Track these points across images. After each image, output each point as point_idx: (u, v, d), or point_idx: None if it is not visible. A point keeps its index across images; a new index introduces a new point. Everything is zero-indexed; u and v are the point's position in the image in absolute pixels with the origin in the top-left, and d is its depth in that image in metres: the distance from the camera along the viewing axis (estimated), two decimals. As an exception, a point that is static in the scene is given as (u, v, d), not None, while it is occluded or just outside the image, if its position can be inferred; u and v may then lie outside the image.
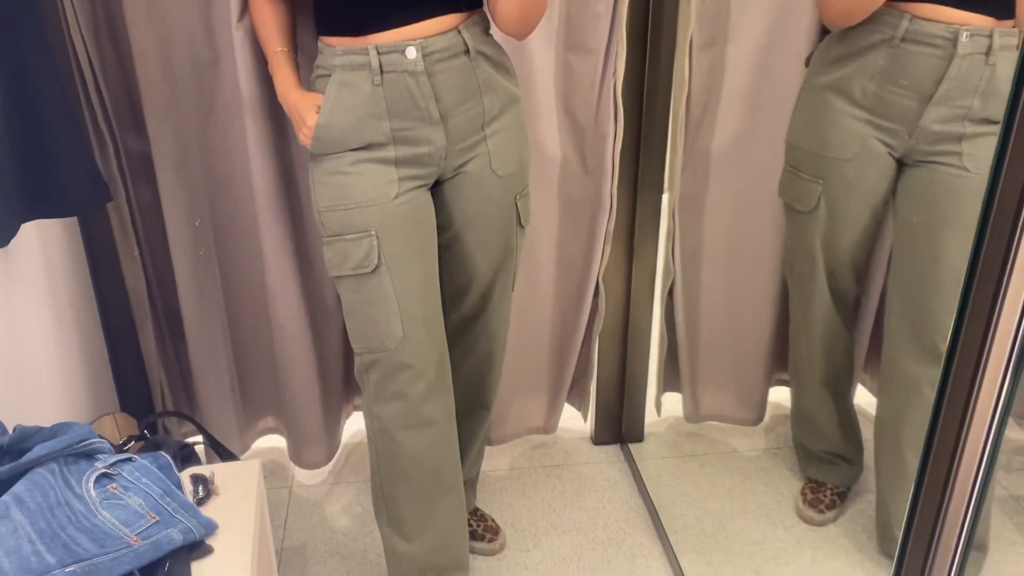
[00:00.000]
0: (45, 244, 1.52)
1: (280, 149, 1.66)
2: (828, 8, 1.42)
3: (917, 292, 1.49)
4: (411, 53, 1.29)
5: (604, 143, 1.76)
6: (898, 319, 1.53)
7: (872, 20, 1.39)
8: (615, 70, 1.69)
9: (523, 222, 1.50)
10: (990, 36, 1.34)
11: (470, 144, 1.38)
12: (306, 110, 1.35)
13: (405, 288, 1.36)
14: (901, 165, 1.49)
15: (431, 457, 1.45)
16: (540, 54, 1.68)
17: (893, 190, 1.52)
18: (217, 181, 1.72)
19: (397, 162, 1.35)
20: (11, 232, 1.33)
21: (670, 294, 1.94)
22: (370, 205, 1.34)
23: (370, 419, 1.44)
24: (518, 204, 1.47)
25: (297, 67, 1.44)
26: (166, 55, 1.60)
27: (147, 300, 1.78)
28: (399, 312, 1.35)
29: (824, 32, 1.59)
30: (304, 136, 1.36)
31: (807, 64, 1.57)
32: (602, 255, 1.87)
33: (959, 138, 1.39)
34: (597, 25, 1.66)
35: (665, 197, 1.87)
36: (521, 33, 1.38)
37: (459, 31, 1.32)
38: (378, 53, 1.29)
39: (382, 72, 1.30)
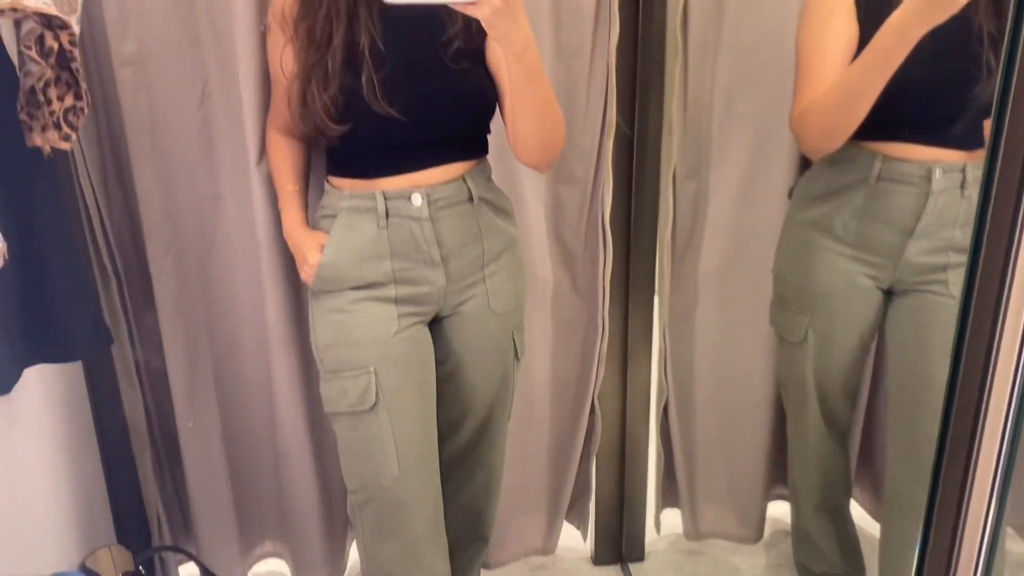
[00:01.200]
0: (46, 384, 1.54)
1: (288, 281, 1.70)
2: (805, 138, 1.46)
3: (914, 418, 1.50)
4: (416, 200, 1.34)
5: (594, 268, 1.80)
6: (898, 445, 1.54)
7: (847, 159, 1.45)
8: (602, 199, 1.75)
9: (519, 355, 1.53)
10: (963, 170, 1.38)
11: (469, 283, 1.42)
12: (309, 249, 1.40)
13: (402, 425, 1.37)
14: (889, 295, 1.52)
15: None
16: (531, 184, 1.75)
17: (882, 319, 1.54)
18: (217, 313, 1.76)
19: (397, 300, 1.38)
20: (14, 378, 1.35)
21: (665, 411, 1.95)
22: (369, 342, 1.37)
23: (366, 560, 1.44)
24: (515, 338, 1.51)
25: (305, 205, 1.50)
26: (169, 194, 1.66)
27: (146, 430, 1.80)
28: (396, 450, 1.37)
29: (805, 162, 1.65)
30: (306, 274, 1.41)
31: (790, 196, 1.62)
32: (596, 376, 1.89)
33: (944, 267, 1.42)
34: (584, 157, 1.73)
35: (656, 317, 1.91)
36: (543, 162, 1.40)
37: (464, 180, 1.38)
38: (384, 198, 1.34)
39: (387, 216, 1.35)
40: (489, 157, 1.48)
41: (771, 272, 1.65)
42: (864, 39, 1.34)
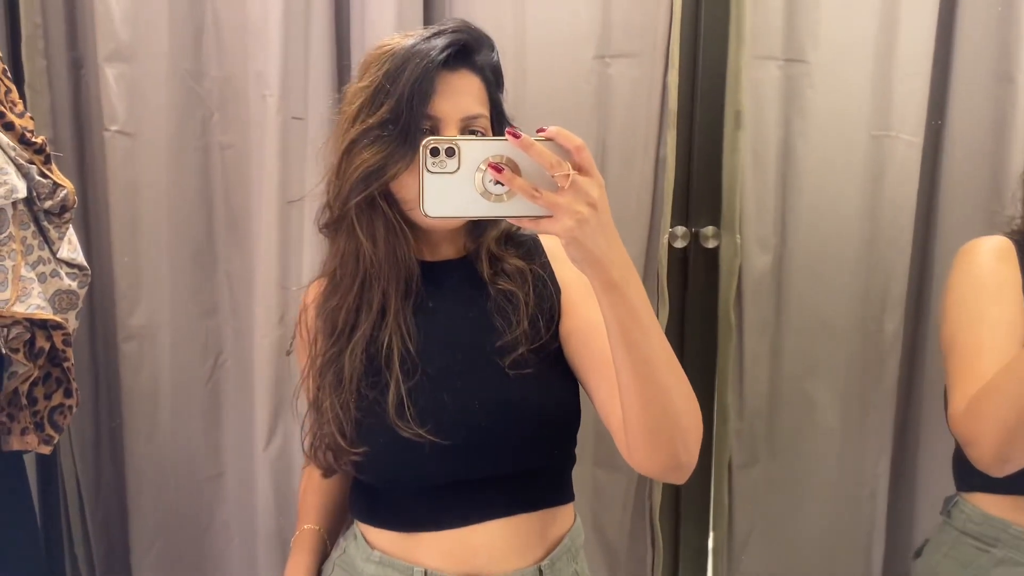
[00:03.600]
0: None
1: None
2: (981, 435, 1.01)
3: None
4: None
5: (641, 569, 1.58)
6: None
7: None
8: (650, 490, 1.56)
9: None
10: None
11: None
12: None
13: None
14: None
15: None
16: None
17: None
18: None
19: None
20: None
21: None
22: None
23: None
24: None
25: (323, 551, 1.08)
26: (164, 475, 1.49)
27: None
28: None
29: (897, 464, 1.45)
30: None
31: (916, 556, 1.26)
32: None
33: None
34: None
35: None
36: (671, 463, 0.86)
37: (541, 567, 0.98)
38: None
39: None
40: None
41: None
42: None
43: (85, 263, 1.13)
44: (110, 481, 1.50)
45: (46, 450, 1.13)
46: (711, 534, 1.60)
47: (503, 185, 0.74)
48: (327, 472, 1.00)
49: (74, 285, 1.12)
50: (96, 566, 1.49)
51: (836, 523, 1.45)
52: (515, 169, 0.74)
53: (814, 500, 1.58)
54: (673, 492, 1.61)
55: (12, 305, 0.98)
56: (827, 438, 1.57)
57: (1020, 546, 1.09)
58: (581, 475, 1.58)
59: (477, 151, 0.75)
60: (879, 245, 1.51)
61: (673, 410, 0.84)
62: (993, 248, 1.16)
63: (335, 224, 0.96)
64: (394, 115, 0.89)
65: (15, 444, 1.11)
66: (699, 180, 1.50)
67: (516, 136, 0.73)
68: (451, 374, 0.96)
